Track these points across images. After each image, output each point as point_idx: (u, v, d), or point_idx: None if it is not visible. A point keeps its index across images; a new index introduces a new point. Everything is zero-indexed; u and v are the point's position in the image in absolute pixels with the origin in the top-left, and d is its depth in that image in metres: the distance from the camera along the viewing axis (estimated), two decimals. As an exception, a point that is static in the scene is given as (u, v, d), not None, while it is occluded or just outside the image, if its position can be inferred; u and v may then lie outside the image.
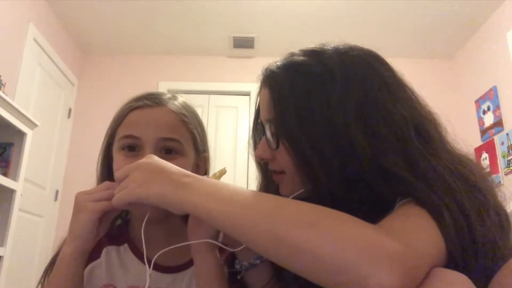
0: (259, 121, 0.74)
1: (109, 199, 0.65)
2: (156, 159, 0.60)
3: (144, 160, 0.60)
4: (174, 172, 0.58)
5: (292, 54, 0.69)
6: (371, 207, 0.56)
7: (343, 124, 0.59)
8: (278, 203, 0.52)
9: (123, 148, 0.76)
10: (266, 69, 0.70)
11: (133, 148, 0.75)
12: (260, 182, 0.79)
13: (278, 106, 0.64)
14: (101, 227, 0.68)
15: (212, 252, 0.69)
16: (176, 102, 0.81)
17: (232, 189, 0.55)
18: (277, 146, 0.65)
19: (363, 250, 0.43)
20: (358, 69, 0.63)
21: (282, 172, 0.67)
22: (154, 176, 0.57)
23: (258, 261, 0.70)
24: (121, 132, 0.77)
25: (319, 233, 0.45)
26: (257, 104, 0.74)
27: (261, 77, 0.71)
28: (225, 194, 0.54)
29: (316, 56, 0.66)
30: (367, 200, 0.58)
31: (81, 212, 0.65)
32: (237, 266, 0.72)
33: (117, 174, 0.62)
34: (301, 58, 0.66)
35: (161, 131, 0.75)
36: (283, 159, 0.64)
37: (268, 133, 0.67)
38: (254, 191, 0.58)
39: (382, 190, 0.57)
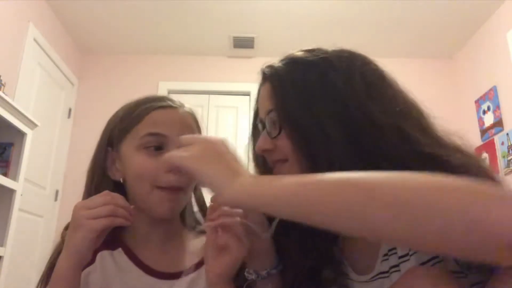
0: (257, 121, 0.75)
1: (108, 215, 0.64)
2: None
3: None
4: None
5: (289, 54, 0.72)
6: None
7: (356, 103, 0.61)
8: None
9: (146, 147, 0.75)
10: (264, 68, 0.72)
11: (158, 147, 0.76)
12: None
13: (280, 91, 0.66)
14: (98, 240, 0.66)
15: (226, 286, 0.66)
16: (187, 106, 0.84)
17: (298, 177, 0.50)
18: (279, 132, 0.65)
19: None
20: (354, 61, 0.67)
21: (283, 162, 0.67)
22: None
23: (274, 271, 0.68)
24: (143, 130, 0.76)
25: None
26: (256, 106, 0.75)
27: (260, 77, 0.73)
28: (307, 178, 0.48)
29: (312, 51, 0.70)
30: None
31: (78, 230, 0.63)
32: (252, 276, 0.68)
33: None
34: (299, 53, 0.70)
35: (185, 131, 0.76)
36: (285, 146, 0.65)
37: (268, 125, 0.68)
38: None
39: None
